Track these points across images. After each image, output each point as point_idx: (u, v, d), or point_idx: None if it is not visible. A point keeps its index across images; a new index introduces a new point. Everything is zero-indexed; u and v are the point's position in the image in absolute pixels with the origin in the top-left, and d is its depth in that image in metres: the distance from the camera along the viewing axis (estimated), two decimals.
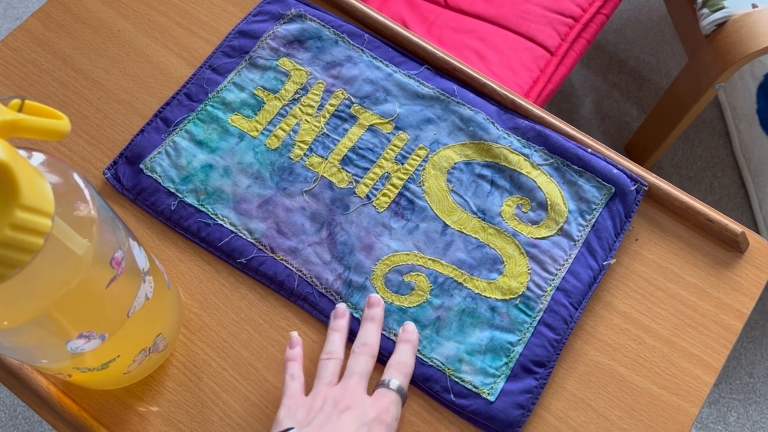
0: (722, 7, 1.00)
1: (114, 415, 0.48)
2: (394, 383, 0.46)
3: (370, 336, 0.48)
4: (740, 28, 0.99)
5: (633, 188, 0.54)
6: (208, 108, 0.57)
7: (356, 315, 0.51)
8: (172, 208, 0.54)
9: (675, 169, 1.33)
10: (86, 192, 0.35)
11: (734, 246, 0.53)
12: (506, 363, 0.49)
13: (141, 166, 0.55)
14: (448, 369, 0.49)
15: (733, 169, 1.34)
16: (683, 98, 1.12)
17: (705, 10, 1.02)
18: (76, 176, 0.36)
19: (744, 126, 1.34)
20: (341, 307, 0.50)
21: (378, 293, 0.51)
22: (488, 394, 0.48)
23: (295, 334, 0.49)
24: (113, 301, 0.38)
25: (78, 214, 0.34)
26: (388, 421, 0.44)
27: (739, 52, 0.98)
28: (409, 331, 0.50)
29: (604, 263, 0.52)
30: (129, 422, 0.48)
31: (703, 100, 1.08)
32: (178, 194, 0.54)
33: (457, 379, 0.49)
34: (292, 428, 0.41)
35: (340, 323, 0.50)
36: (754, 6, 0.99)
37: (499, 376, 0.49)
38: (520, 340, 0.50)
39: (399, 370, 0.47)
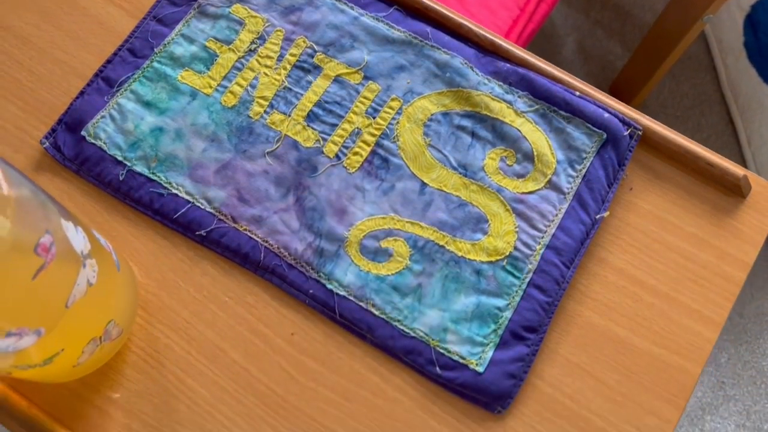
0: None
1: (69, 410, 0.44)
2: None
3: None
4: None
5: (626, 133, 0.49)
6: (155, 64, 0.52)
7: (329, 286, 0.46)
8: (121, 178, 0.49)
9: (661, 108, 1.28)
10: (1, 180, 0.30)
11: (736, 191, 0.49)
12: (495, 330, 0.45)
13: (83, 132, 0.49)
14: (432, 340, 0.45)
15: (720, 105, 1.29)
16: (670, 32, 1.06)
17: None
18: None
19: (731, 60, 1.29)
20: None
21: (353, 261, 0.47)
22: (476, 364, 0.44)
23: None
24: (45, 292, 0.33)
25: None
26: None
27: None
28: None
29: (597, 217, 0.48)
30: (87, 416, 0.44)
31: (690, 34, 1.02)
32: (126, 162, 0.49)
33: (442, 350, 0.45)
34: None
35: None
36: None
37: (488, 344, 0.45)
38: (509, 304, 0.46)
39: None
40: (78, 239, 0.36)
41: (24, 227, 0.31)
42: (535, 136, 0.50)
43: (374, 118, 0.50)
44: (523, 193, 0.49)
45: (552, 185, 0.49)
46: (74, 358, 0.39)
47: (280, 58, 0.52)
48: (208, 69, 0.52)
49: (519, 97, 0.51)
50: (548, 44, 1.31)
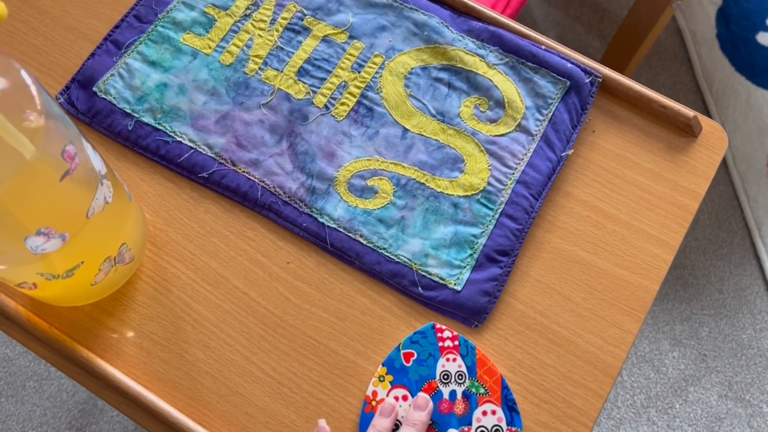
0: None
1: (86, 331, 0.48)
2: None
3: None
4: None
5: (587, 81, 0.54)
6: (159, 29, 0.57)
7: (320, 220, 0.51)
8: (129, 128, 0.53)
9: None
10: (35, 95, 0.35)
11: (687, 130, 0.54)
12: (471, 254, 0.50)
13: (94, 89, 0.54)
14: (415, 264, 0.50)
15: (696, 94, 1.35)
16: (642, 21, 1.12)
17: None
18: (24, 75, 0.35)
19: (704, 51, 1.36)
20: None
21: (342, 198, 0.52)
22: (455, 284, 0.49)
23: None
24: (69, 197, 0.38)
25: (29, 125, 0.34)
26: None
27: None
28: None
29: (563, 154, 0.53)
30: (101, 337, 0.48)
31: (661, 21, 1.08)
32: (135, 114, 0.54)
33: (423, 273, 0.49)
34: None
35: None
36: None
37: (464, 267, 0.50)
38: (483, 232, 0.51)
39: None
40: (96, 159, 0.41)
41: (54, 134, 0.36)
42: (506, 85, 0.55)
43: (359, 72, 0.56)
44: (496, 135, 0.54)
45: (521, 128, 0.54)
46: (92, 274, 0.44)
47: (273, 21, 0.57)
48: (208, 32, 0.57)
49: (490, 51, 0.56)
50: None
